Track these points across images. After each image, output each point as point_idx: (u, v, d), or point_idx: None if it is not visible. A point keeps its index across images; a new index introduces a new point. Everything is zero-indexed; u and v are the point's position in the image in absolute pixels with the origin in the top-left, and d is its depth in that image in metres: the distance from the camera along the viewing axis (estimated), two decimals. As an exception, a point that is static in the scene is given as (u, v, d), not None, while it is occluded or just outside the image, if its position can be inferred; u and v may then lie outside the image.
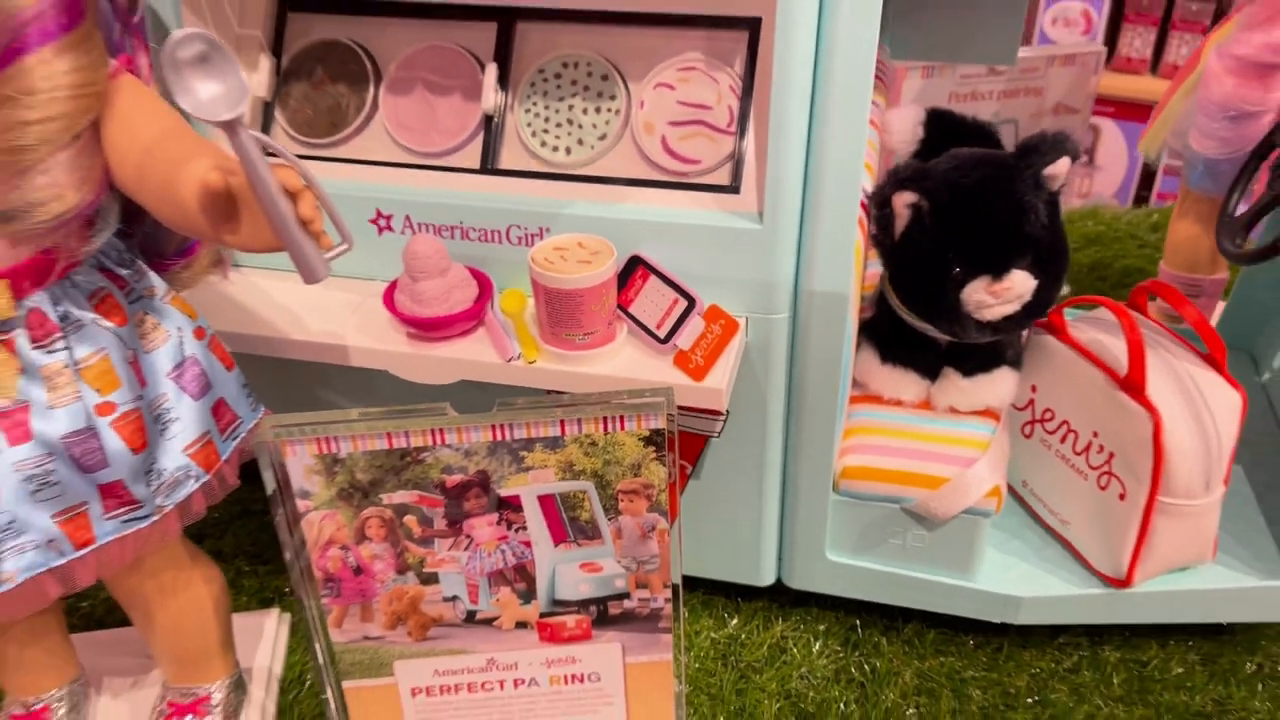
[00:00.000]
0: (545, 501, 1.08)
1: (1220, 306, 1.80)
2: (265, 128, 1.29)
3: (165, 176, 0.87)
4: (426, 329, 1.13)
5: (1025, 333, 1.34)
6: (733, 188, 1.15)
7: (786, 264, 1.12)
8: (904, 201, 1.15)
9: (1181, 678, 1.31)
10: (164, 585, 1.14)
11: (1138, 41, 2.59)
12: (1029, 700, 1.29)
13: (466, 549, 1.11)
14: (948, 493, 1.21)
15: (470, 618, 1.15)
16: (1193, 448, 1.17)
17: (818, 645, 1.37)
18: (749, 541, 1.33)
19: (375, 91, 1.27)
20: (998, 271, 1.14)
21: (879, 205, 1.17)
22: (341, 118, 1.28)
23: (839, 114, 1.04)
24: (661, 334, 1.10)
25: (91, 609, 1.46)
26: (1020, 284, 1.15)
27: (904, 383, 1.31)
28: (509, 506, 1.08)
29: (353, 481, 1.05)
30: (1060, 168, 1.13)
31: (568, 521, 1.10)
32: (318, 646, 1.14)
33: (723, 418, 1.24)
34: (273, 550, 1.53)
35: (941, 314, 1.19)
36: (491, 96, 1.21)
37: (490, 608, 1.14)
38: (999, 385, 1.28)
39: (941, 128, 1.34)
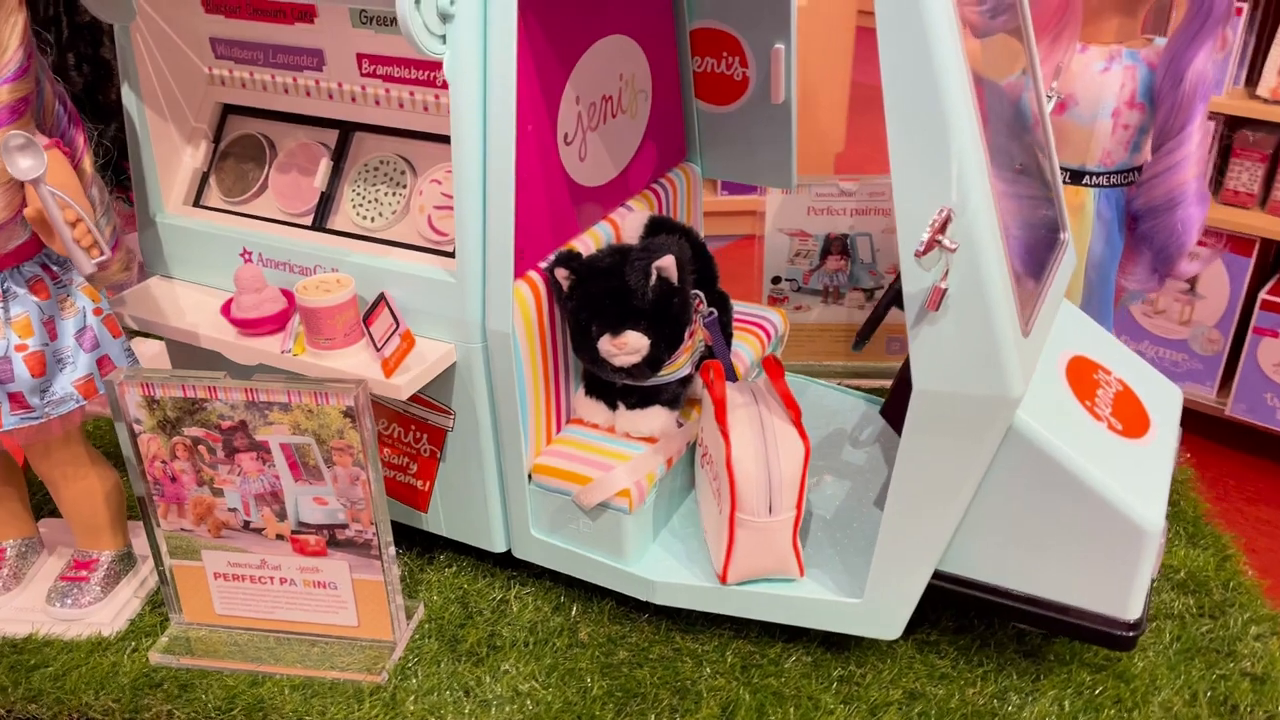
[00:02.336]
0: (285, 448, 1.61)
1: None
2: (200, 190, 1.91)
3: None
4: (242, 327, 1.70)
5: (694, 383, 1.76)
6: (452, 254, 1.66)
7: (475, 308, 1.61)
8: (561, 275, 1.62)
9: (781, 669, 1.67)
10: (67, 474, 1.75)
11: (1245, 175, 2.59)
12: (657, 663, 1.69)
13: (239, 475, 1.65)
14: (590, 488, 1.64)
15: (246, 526, 1.68)
16: (757, 476, 1.55)
17: (531, 605, 1.82)
18: (483, 515, 1.80)
19: (269, 169, 1.87)
20: (615, 330, 1.59)
21: (551, 276, 1.65)
22: (249, 185, 1.88)
23: (496, 213, 1.53)
24: (378, 345, 1.62)
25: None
26: (634, 341, 1.59)
27: (595, 410, 1.76)
28: (263, 449, 1.62)
29: (165, 416, 1.61)
30: (666, 263, 1.57)
31: (301, 464, 1.62)
32: (153, 530, 1.71)
33: (452, 415, 1.73)
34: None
35: (589, 358, 1.65)
36: (324, 179, 1.78)
37: (259, 520, 1.68)
38: (653, 419, 1.71)
39: (658, 227, 1.79)
